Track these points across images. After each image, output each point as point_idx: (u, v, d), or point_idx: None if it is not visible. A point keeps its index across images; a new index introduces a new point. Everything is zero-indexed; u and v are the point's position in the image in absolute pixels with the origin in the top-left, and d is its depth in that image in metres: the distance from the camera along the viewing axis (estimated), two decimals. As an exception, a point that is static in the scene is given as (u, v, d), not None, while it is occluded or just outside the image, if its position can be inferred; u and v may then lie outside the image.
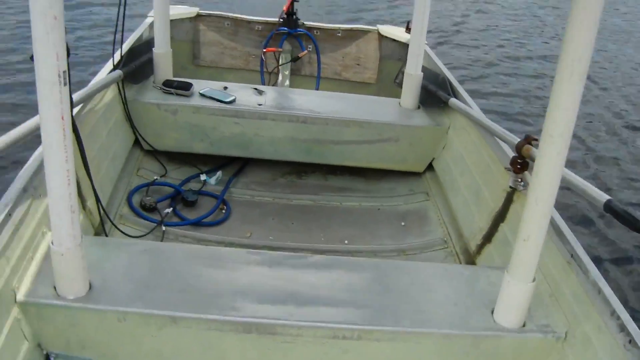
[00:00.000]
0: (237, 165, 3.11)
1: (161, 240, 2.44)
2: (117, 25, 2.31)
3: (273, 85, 3.87)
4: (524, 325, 1.71)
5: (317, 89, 3.95)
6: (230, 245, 2.52)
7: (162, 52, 2.98)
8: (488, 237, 2.39)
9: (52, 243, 1.49)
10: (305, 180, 3.12)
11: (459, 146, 2.87)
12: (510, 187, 2.26)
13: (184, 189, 2.79)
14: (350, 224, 2.79)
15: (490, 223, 2.38)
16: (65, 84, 1.29)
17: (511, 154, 2.30)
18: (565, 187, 1.86)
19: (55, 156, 1.36)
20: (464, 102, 2.86)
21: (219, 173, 2.96)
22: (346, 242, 2.65)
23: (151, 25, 3.19)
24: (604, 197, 1.76)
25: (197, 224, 2.60)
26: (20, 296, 1.58)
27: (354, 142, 2.98)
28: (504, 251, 2.24)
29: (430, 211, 2.91)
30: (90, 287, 1.64)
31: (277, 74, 3.90)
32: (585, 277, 1.72)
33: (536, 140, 2.11)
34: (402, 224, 2.82)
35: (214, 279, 1.78)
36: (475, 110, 2.74)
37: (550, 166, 1.42)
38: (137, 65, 2.84)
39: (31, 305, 1.59)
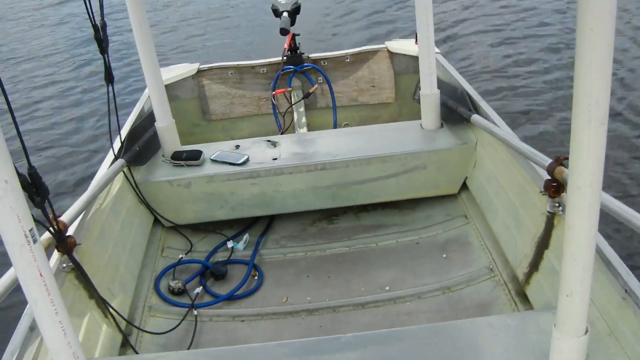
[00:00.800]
0: (264, 223, 2.99)
1: (195, 326, 2.34)
2: (109, 111, 2.25)
3: (289, 126, 3.75)
4: None
5: (334, 121, 3.81)
6: (266, 316, 2.41)
7: (164, 125, 2.90)
8: (535, 265, 2.20)
9: None
10: (337, 224, 2.97)
11: (490, 164, 2.68)
12: (549, 212, 2.07)
13: (211, 262, 2.70)
14: (390, 266, 2.63)
15: (535, 250, 2.19)
16: (35, 242, 1.22)
17: (542, 172, 2.12)
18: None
19: (44, 314, 1.28)
20: (487, 117, 2.66)
21: (246, 236, 2.85)
22: (387, 288, 2.50)
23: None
24: None
25: (231, 298, 2.50)
26: None
27: (379, 178, 2.82)
28: (553, 281, 2.06)
29: (471, 236, 2.72)
30: None
31: (292, 113, 3.78)
32: None
33: (567, 159, 1.92)
34: (444, 255, 2.64)
35: None
36: (500, 126, 2.54)
37: (584, 219, 1.24)
38: (141, 146, 2.77)
39: None
